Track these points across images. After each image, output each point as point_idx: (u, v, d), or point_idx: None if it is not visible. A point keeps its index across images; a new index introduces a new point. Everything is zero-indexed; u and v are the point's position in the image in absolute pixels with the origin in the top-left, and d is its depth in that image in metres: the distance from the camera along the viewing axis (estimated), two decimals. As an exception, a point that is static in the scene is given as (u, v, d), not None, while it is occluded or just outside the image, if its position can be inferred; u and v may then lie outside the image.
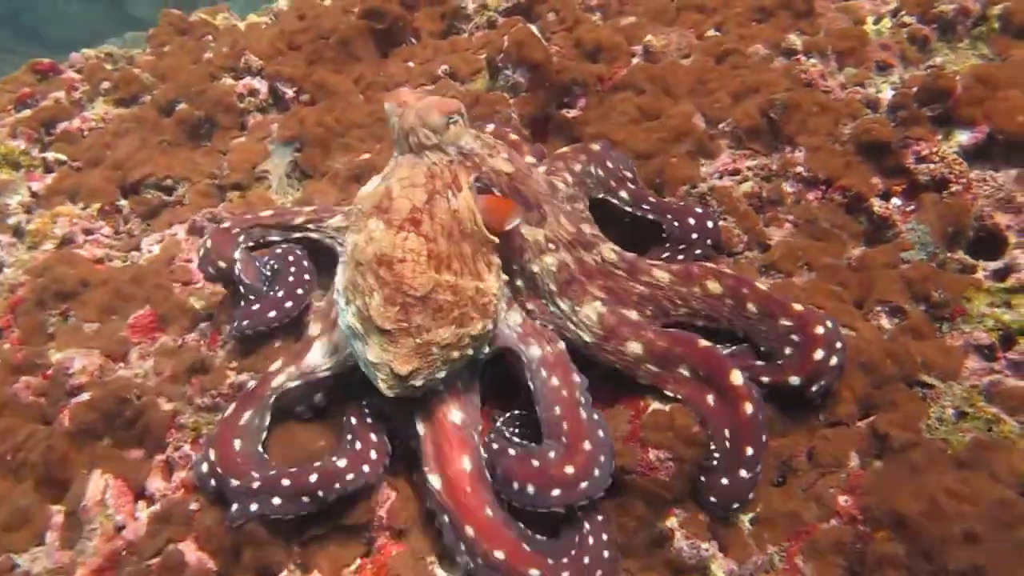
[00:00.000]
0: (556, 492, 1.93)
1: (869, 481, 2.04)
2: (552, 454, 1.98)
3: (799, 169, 2.88)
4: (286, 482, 2.02)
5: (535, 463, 1.97)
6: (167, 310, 2.98)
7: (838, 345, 2.14)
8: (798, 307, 2.19)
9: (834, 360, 2.13)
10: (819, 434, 2.18)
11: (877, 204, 2.74)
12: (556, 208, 2.29)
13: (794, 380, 2.14)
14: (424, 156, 2.08)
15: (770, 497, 2.09)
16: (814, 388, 2.15)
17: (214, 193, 3.54)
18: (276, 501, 2.01)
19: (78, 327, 3.00)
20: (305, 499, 2.01)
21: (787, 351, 2.18)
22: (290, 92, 3.78)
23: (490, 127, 2.91)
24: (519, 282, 2.24)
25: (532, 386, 2.09)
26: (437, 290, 1.93)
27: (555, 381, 2.09)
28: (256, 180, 3.52)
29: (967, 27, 3.44)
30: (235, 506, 2.05)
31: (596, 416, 2.04)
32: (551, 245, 2.21)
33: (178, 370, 2.60)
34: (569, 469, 1.94)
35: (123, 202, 3.65)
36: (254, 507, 2.02)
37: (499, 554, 1.89)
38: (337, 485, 2.01)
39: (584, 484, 1.94)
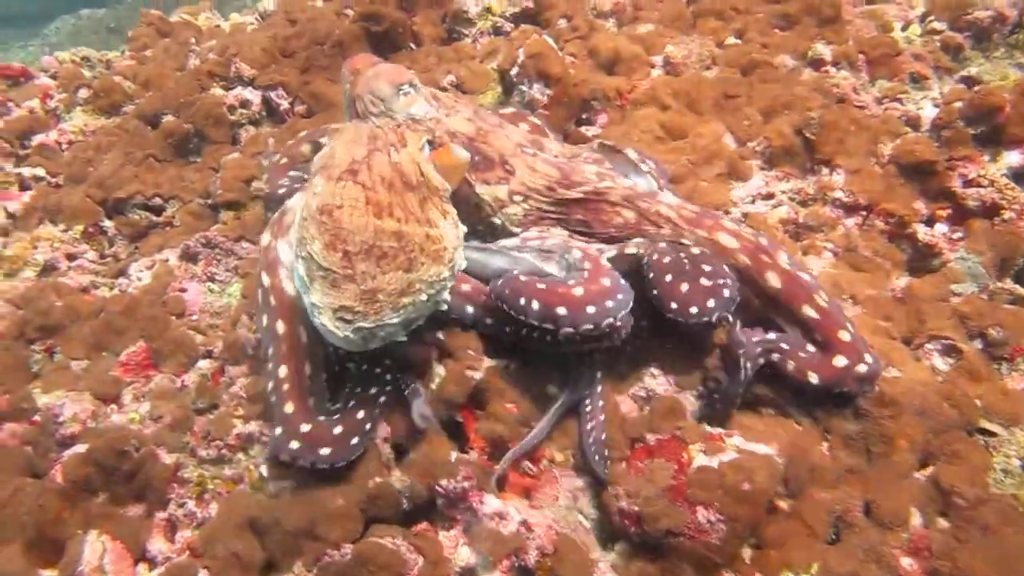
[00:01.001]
0: (561, 310, 1.94)
1: (936, 543, 1.95)
2: (566, 280, 2.04)
3: (838, 194, 2.79)
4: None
5: (543, 285, 2.01)
6: (162, 345, 2.85)
7: (868, 358, 2.09)
8: (823, 302, 2.14)
9: (861, 369, 2.08)
10: (875, 485, 2.07)
11: (922, 231, 2.66)
12: (529, 159, 2.35)
13: (813, 379, 2.09)
14: (370, 120, 2.23)
15: (826, 557, 1.99)
16: (837, 392, 2.10)
17: (206, 214, 3.41)
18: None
19: (65, 365, 2.87)
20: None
21: (808, 347, 2.13)
22: (285, 103, 3.65)
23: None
24: (481, 228, 2.34)
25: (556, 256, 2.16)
26: (380, 236, 1.94)
27: (577, 249, 2.16)
28: (252, 199, 3.37)
29: (1003, 35, 3.35)
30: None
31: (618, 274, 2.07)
32: (516, 197, 2.30)
33: (178, 416, 2.47)
34: (578, 291, 1.97)
35: (108, 223, 3.48)
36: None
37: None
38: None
39: (591, 308, 1.94)
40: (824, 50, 3.30)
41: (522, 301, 1.99)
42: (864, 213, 2.77)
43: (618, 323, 1.98)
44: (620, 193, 2.27)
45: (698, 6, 3.63)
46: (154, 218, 3.48)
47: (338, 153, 2.13)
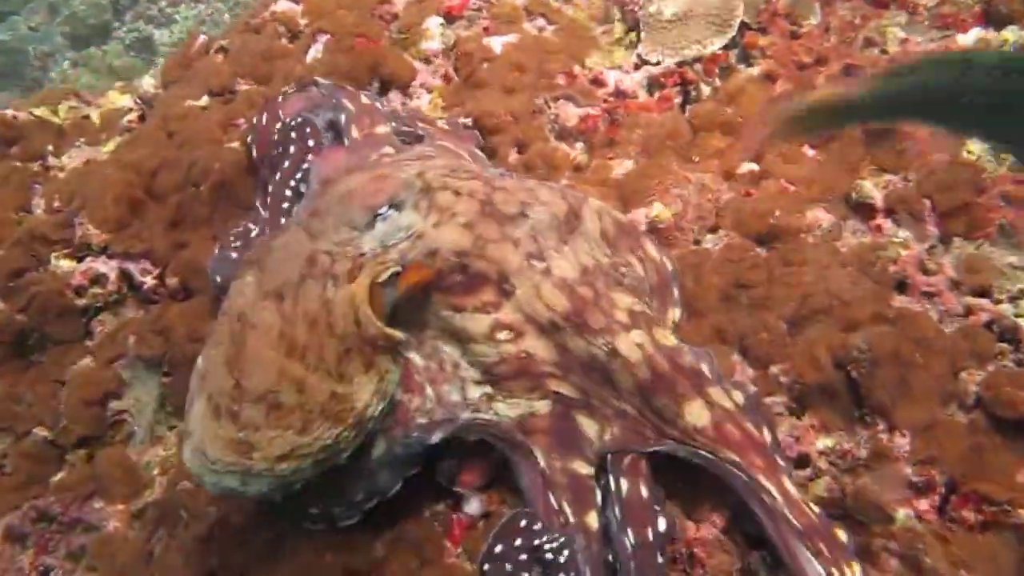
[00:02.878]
0: None
1: None
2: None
3: (902, 468, 2.00)
4: None
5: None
6: None
7: None
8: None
9: None
10: None
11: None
12: (537, 277, 1.95)
13: None
14: (321, 243, 1.91)
15: None
16: None
17: (48, 455, 2.66)
18: None
19: None
20: None
21: None
22: (150, 279, 2.84)
23: None
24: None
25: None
26: (282, 381, 1.78)
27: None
28: (110, 428, 2.65)
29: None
30: None
31: None
32: (503, 334, 1.93)
33: None
34: None
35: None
36: None
37: None
38: None
39: None
40: (873, 192, 2.48)
41: None
42: (942, 494, 2.01)
43: None
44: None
45: (699, 115, 2.76)
46: (-12, 451, 2.76)
47: (274, 257, 1.92)
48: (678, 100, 2.83)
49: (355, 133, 2.43)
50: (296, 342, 1.80)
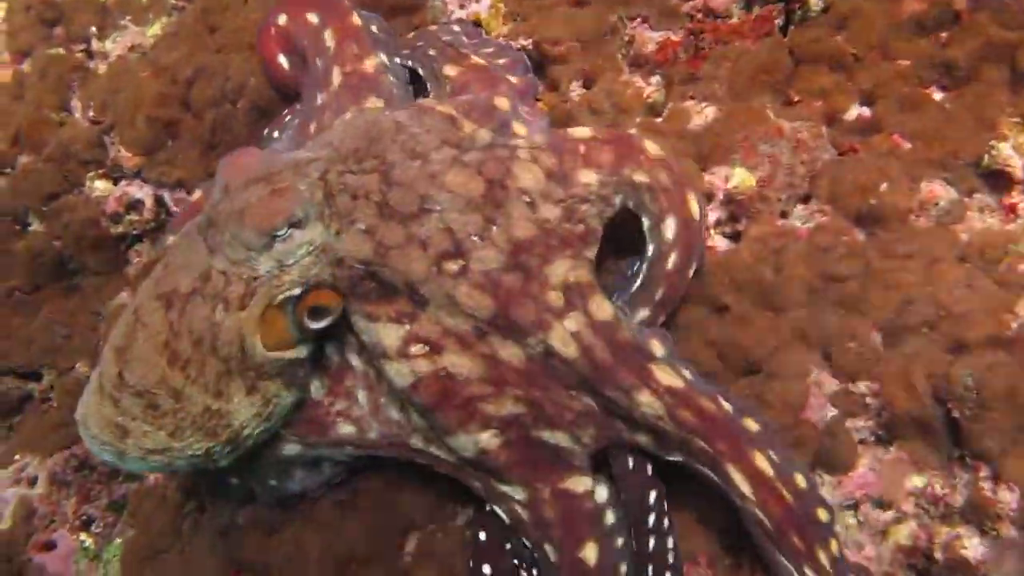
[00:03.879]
0: None
1: None
2: None
3: (1003, 530, 1.70)
4: None
5: None
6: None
7: None
8: None
9: None
10: None
11: None
12: (450, 283, 1.69)
13: None
14: (217, 258, 1.72)
15: None
16: None
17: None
18: None
19: None
20: None
21: None
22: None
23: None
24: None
25: None
26: (161, 386, 1.70)
27: None
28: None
29: None
30: None
31: None
32: (416, 347, 1.70)
33: None
34: None
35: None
36: None
37: None
38: None
39: None
40: (1013, 157, 2.01)
41: None
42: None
43: None
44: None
45: (802, 42, 2.26)
46: (28, 387, 2.69)
47: (175, 258, 1.80)
48: (779, 22, 2.33)
49: (336, 78, 2.16)
50: (179, 354, 1.71)
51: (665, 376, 1.71)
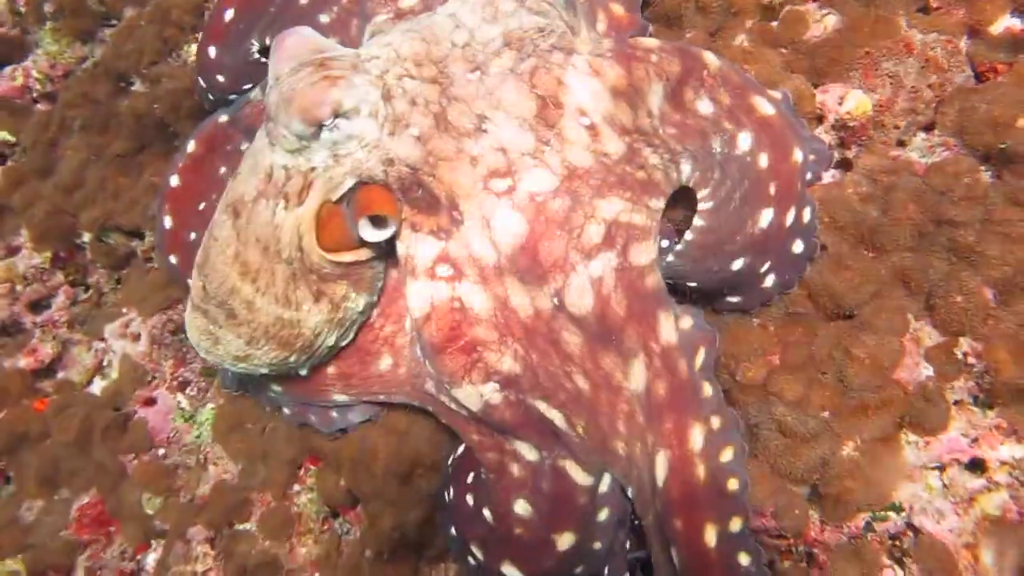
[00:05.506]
0: None
1: None
2: None
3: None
4: None
5: None
6: (116, 506, 2.38)
7: None
8: None
9: None
10: None
11: None
12: (491, 202, 1.63)
13: None
14: (276, 152, 1.69)
15: None
16: None
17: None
18: None
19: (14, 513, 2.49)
20: None
21: None
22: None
23: None
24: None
25: None
26: (234, 296, 1.74)
27: None
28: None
29: None
30: None
31: None
32: (443, 268, 1.65)
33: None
34: None
35: (86, 238, 2.80)
36: None
37: None
38: None
39: None
40: None
41: None
42: None
43: None
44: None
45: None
46: (133, 244, 2.75)
47: (240, 170, 1.80)
48: (925, -89, 2.01)
49: None
50: (249, 264, 1.73)
51: (666, 327, 1.63)
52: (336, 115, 1.60)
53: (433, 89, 1.66)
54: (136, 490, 2.38)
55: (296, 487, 2.19)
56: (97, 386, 2.68)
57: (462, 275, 1.64)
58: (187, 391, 2.49)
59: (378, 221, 1.64)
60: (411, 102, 1.65)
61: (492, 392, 1.65)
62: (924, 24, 1.92)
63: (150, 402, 2.51)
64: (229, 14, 2.22)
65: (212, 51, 2.24)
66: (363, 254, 1.73)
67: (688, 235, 1.67)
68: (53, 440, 2.50)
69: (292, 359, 1.81)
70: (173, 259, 2.27)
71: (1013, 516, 1.66)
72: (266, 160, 1.71)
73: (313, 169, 1.66)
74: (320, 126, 1.61)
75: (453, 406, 1.74)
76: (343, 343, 1.85)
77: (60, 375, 2.76)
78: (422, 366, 1.75)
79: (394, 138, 1.64)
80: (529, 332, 1.63)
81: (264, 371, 1.85)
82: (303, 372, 1.87)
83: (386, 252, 1.75)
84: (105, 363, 2.70)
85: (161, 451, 2.45)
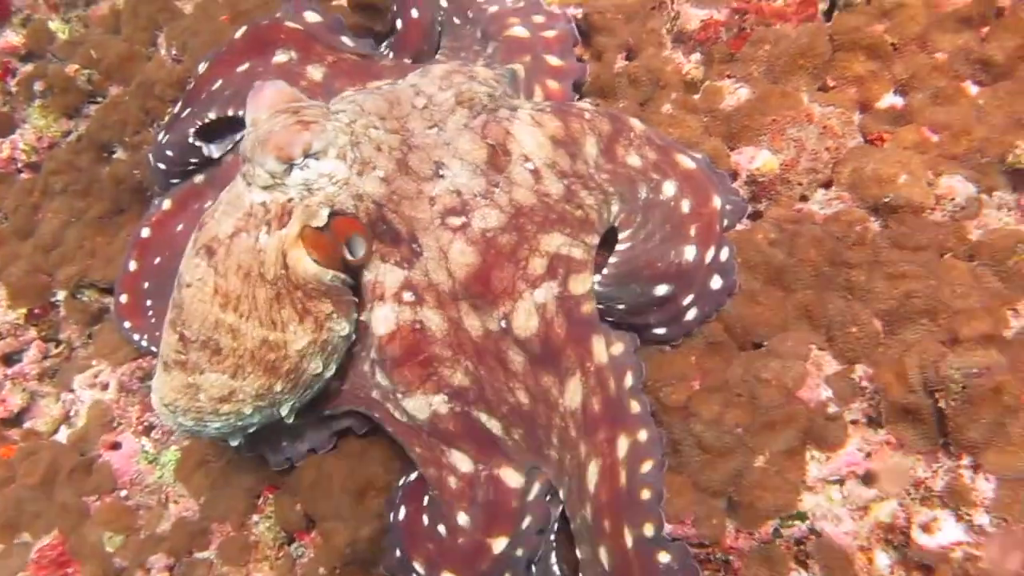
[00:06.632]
0: None
1: None
2: None
3: (979, 516, 1.76)
4: None
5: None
6: (77, 545, 2.43)
7: None
8: None
9: None
10: None
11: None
12: (446, 236, 1.84)
13: None
14: (252, 192, 1.83)
15: None
16: None
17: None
18: None
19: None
20: None
21: None
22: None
23: None
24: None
25: None
26: (218, 329, 1.79)
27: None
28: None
29: None
30: None
31: None
32: (407, 295, 1.85)
33: None
34: None
35: (59, 295, 2.94)
36: None
37: None
38: None
39: None
40: (1030, 156, 2.02)
41: None
42: None
43: None
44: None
45: (843, 30, 2.26)
46: (106, 301, 2.89)
47: (213, 213, 1.88)
48: (823, 6, 2.33)
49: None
50: (230, 294, 1.79)
51: (598, 348, 1.84)
52: (306, 155, 1.77)
53: (396, 138, 1.88)
54: (98, 529, 2.46)
55: (255, 517, 2.30)
56: (63, 435, 2.77)
57: (423, 301, 1.84)
58: (152, 434, 2.60)
59: (355, 244, 1.85)
60: (376, 148, 1.86)
61: (441, 403, 1.84)
62: (823, 99, 2.21)
63: (115, 446, 2.60)
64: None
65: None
66: (344, 277, 1.86)
67: (612, 259, 1.88)
68: (17, 483, 2.57)
69: (278, 388, 1.85)
70: (127, 324, 2.51)
71: (901, 522, 1.83)
72: (244, 200, 1.85)
73: (290, 200, 1.81)
74: (291, 164, 1.77)
75: (397, 414, 1.91)
76: (327, 374, 1.92)
77: (27, 424, 2.85)
78: (367, 379, 1.93)
79: (362, 177, 1.84)
80: (479, 350, 1.83)
81: (248, 413, 1.87)
82: (284, 412, 1.92)
83: (354, 287, 1.91)
84: (72, 413, 2.80)
85: (123, 492, 2.54)
